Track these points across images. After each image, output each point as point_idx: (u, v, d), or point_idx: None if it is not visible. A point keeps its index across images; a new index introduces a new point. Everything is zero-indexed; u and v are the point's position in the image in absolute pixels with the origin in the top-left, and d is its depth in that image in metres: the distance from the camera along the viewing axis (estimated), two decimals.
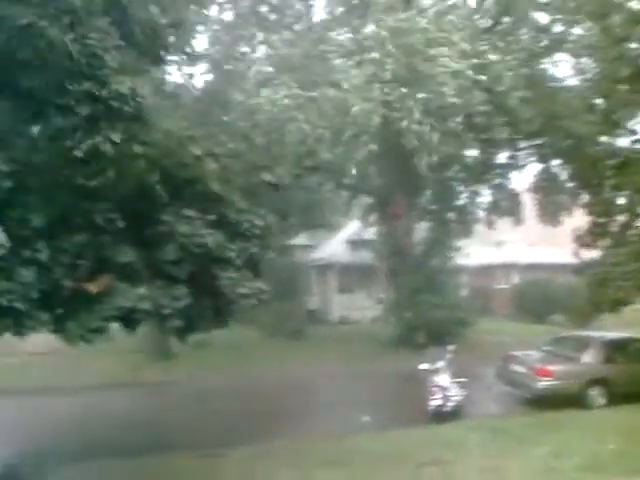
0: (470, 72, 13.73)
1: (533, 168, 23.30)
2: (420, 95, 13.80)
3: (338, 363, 18.57)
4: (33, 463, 9.53)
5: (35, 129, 5.93)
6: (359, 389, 15.57)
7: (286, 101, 14.52)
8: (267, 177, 8.55)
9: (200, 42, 22.91)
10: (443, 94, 13.62)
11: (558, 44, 18.52)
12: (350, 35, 18.05)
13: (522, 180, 24.79)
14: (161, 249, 7.10)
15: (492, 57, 14.53)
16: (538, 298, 28.44)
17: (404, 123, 13.83)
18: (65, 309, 6.41)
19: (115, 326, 6.86)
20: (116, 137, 5.91)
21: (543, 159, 22.20)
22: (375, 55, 14.13)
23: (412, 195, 23.03)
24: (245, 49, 20.05)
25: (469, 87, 13.98)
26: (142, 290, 6.62)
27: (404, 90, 13.80)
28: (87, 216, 6.30)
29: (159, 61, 7.97)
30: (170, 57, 9.12)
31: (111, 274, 6.46)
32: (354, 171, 17.16)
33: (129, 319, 6.65)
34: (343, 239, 31.48)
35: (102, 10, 6.10)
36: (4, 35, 5.56)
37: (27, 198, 6.01)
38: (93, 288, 6.24)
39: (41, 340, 16.89)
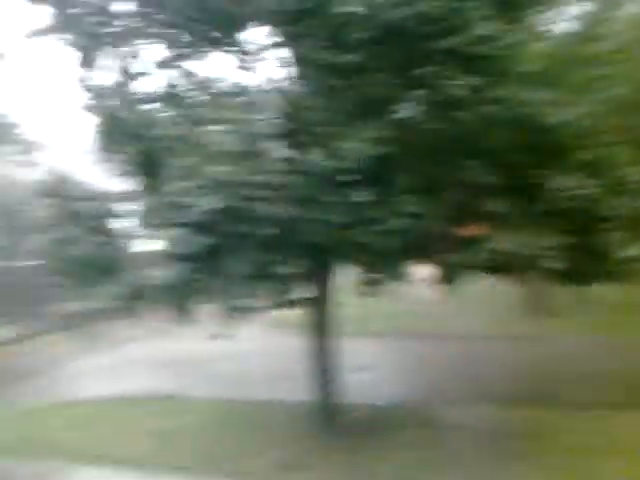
0: None
1: None
2: None
3: None
4: (422, 402, 10.82)
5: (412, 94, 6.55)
6: None
7: None
8: None
9: None
10: None
11: None
12: None
13: None
14: (537, 200, 7.15)
15: None
16: None
17: None
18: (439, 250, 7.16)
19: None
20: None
21: None
22: None
23: None
24: None
25: None
26: (520, 236, 6.83)
27: None
28: (459, 173, 6.80)
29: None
30: None
31: (484, 222, 6.91)
32: None
33: (503, 264, 6.97)
34: None
35: None
36: None
37: (406, 161, 6.80)
38: (466, 233, 6.83)
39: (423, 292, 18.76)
